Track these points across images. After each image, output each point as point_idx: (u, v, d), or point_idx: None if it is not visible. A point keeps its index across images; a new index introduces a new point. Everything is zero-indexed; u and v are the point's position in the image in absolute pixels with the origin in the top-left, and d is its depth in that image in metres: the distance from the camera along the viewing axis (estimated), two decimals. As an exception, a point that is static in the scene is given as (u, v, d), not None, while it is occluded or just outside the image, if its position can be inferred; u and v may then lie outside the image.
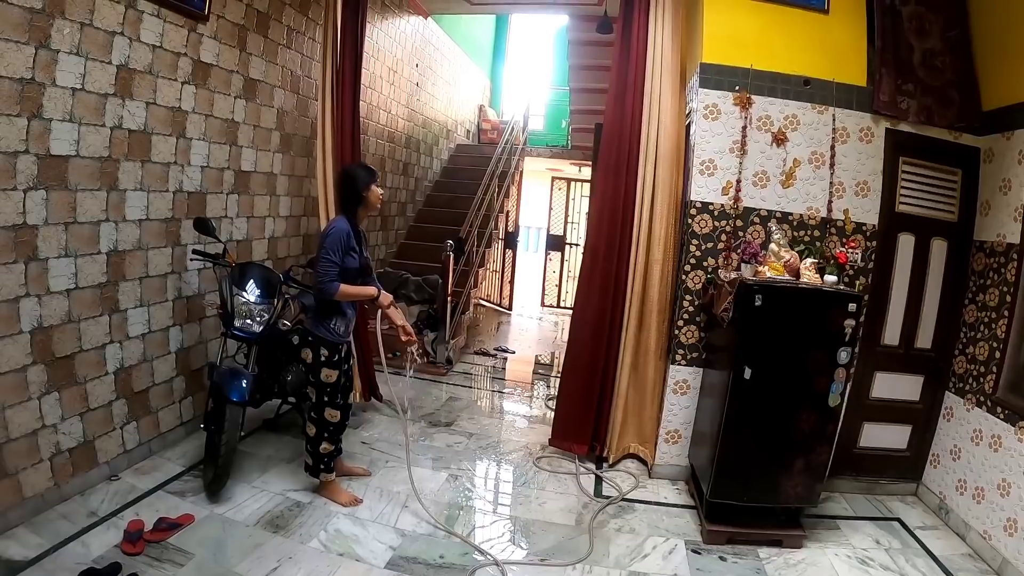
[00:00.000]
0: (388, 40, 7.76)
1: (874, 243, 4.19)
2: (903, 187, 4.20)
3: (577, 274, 4.90)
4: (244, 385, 3.61)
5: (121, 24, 3.44)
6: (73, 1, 3.13)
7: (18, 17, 2.87)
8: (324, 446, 3.68)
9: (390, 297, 3.63)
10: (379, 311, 3.73)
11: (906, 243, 4.25)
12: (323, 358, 3.55)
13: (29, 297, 3.09)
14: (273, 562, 3.12)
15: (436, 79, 9.85)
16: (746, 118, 4.12)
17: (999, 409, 3.78)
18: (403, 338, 3.70)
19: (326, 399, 3.63)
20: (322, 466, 3.73)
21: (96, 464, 3.59)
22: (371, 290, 3.57)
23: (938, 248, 4.26)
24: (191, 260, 4.15)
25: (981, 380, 3.97)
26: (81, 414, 3.46)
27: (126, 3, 3.45)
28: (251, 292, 3.99)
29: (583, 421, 4.68)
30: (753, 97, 4.11)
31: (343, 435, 3.85)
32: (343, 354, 3.66)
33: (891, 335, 4.32)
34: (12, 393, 3.04)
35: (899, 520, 4.15)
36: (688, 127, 4.41)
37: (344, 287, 3.41)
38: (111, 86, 3.43)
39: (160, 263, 3.96)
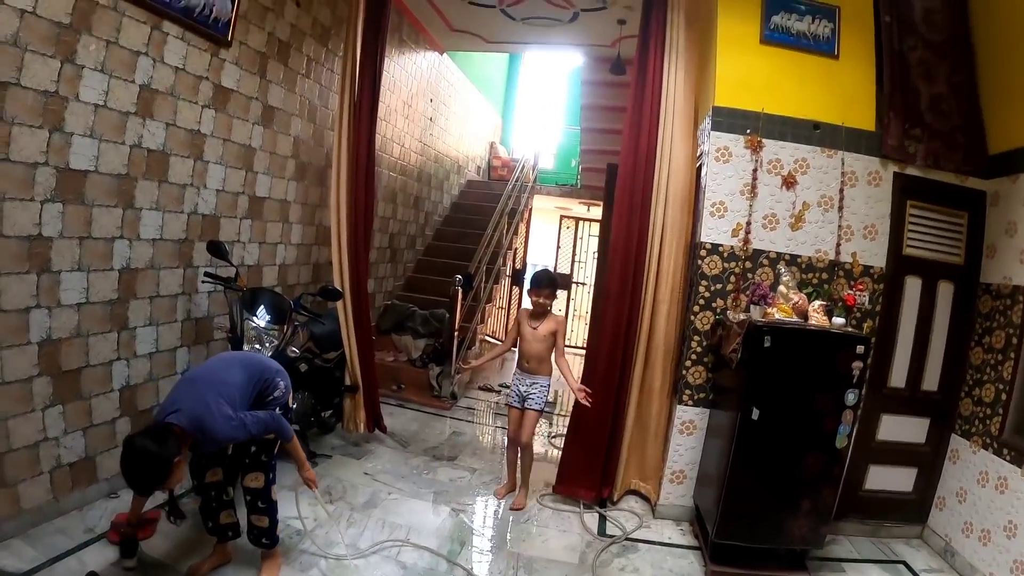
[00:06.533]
0: (403, 74, 7.89)
1: (881, 286, 4.21)
2: (910, 230, 4.24)
3: (583, 313, 4.85)
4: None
5: (146, 44, 3.52)
6: (100, 18, 3.21)
7: (47, 30, 2.94)
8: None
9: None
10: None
11: (913, 286, 4.27)
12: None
13: (40, 308, 3.10)
14: (270, 591, 3.05)
15: (449, 114, 9.99)
16: (757, 161, 4.17)
17: (1005, 451, 3.76)
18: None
19: None
20: None
21: (96, 480, 3.56)
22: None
23: (945, 291, 4.28)
24: (202, 282, 4.16)
25: (987, 422, 3.95)
26: (84, 429, 3.45)
27: (152, 24, 3.54)
28: (261, 317, 4.00)
29: (591, 468, 4.53)
30: (764, 140, 4.16)
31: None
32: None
33: (898, 377, 4.31)
34: (17, 403, 3.04)
35: (904, 563, 4.09)
36: (699, 169, 4.45)
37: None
38: (133, 105, 3.49)
39: (171, 283, 3.98)
